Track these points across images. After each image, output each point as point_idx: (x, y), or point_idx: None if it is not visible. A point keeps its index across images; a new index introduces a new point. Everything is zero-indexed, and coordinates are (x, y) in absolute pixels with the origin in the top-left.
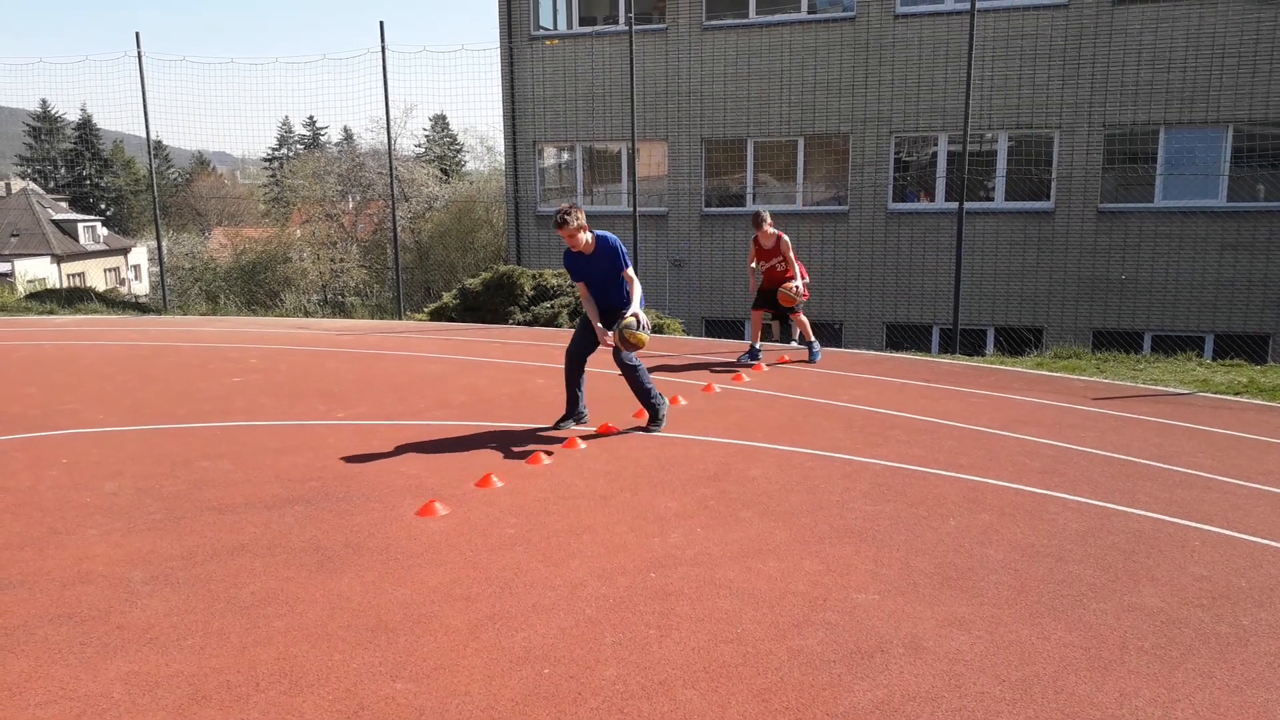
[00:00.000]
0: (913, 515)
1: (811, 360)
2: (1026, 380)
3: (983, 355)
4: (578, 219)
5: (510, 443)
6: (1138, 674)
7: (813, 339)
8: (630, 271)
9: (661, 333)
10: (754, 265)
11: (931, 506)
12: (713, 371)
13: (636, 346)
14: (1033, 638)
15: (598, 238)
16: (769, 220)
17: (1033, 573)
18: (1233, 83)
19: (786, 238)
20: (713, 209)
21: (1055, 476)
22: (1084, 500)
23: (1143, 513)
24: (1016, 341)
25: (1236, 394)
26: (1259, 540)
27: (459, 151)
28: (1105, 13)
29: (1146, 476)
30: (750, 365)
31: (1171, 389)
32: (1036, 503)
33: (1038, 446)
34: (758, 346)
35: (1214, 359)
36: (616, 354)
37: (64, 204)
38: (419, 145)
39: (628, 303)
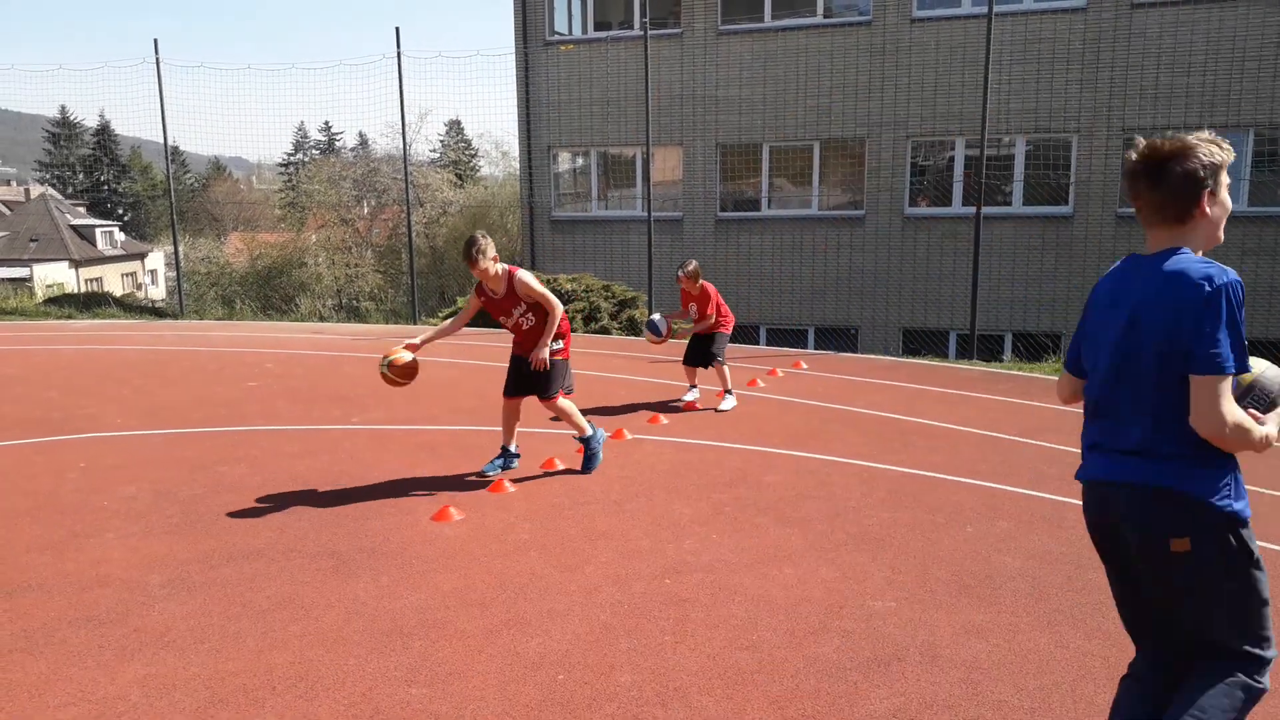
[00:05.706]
0: (930, 522)
1: (585, 469)
2: (1045, 386)
3: (1001, 361)
4: None
5: (525, 447)
6: None
7: (590, 432)
8: None
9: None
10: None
11: (949, 514)
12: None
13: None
14: (1051, 646)
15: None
16: (491, 251)
17: (1051, 580)
18: (1254, 86)
19: (525, 275)
20: (728, 214)
21: (1074, 484)
22: None
23: None
24: (1035, 347)
25: None
26: (1277, 548)
27: (474, 156)
28: (1124, 16)
29: None
30: (491, 476)
31: None
32: (1055, 510)
33: (1057, 453)
34: (513, 449)
35: None
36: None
37: (82, 209)
38: (434, 150)
39: None
